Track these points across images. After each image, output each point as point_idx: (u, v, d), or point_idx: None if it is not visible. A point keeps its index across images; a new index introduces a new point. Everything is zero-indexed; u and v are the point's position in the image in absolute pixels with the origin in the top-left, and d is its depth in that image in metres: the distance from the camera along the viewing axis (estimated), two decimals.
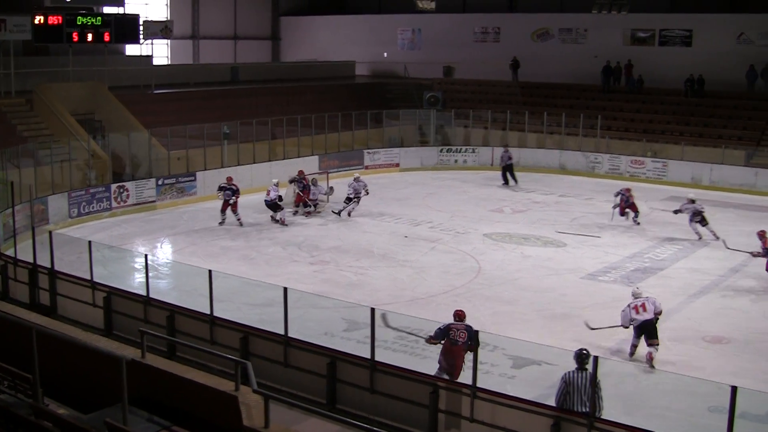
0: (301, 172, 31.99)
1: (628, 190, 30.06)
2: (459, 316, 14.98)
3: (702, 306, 21.01)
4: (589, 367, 12.46)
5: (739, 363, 17.43)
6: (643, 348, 17.26)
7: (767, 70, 43.23)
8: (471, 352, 13.72)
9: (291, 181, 31.54)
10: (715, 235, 27.23)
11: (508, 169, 37.94)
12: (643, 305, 17.46)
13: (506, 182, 37.73)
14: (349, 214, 30.35)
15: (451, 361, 14.52)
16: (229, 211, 29.01)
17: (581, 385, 12.47)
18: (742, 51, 44.74)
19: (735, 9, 46.40)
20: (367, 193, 30.81)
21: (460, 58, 53.40)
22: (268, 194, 29.59)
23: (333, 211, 30.46)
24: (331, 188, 32.39)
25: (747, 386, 13.54)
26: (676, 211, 28.65)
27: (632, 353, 17.64)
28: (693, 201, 27.98)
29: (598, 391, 12.32)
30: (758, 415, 13.96)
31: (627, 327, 17.51)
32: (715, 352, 18.06)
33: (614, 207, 29.69)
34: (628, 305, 17.62)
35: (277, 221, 29.47)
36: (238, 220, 29.03)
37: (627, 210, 29.66)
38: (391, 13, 58.39)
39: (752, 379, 16.29)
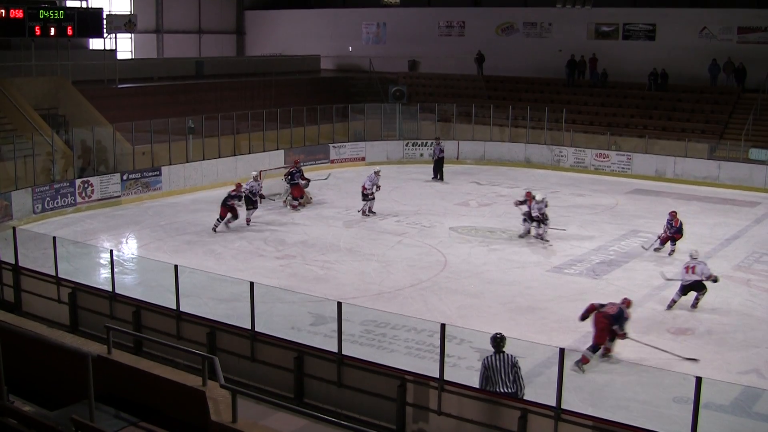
0: (296, 162, 32.31)
1: (529, 193, 27.67)
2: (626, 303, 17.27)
3: (666, 298, 21.15)
4: (507, 350, 12.95)
5: (703, 354, 17.59)
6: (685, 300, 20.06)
7: (729, 64, 43.59)
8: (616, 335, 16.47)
9: (289, 173, 31.44)
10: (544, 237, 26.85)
11: (438, 164, 37.91)
12: (693, 267, 20.04)
13: (435, 177, 37.70)
14: (367, 212, 30.05)
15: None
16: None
17: (500, 368, 12.82)
18: (705, 45, 45.14)
19: (697, 4, 46.80)
20: (379, 189, 30.43)
21: (424, 52, 53.52)
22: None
23: (358, 211, 30.19)
24: (308, 180, 32.09)
25: (711, 377, 13.69)
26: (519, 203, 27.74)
27: (670, 306, 20.31)
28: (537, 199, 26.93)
29: (519, 372, 12.82)
30: (722, 404, 14.14)
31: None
32: (680, 343, 18.21)
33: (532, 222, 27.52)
34: (684, 265, 20.40)
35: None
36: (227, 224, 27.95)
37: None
38: (355, 7, 58.40)
39: (716, 369, 16.48)
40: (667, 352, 17.23)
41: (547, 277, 23.09)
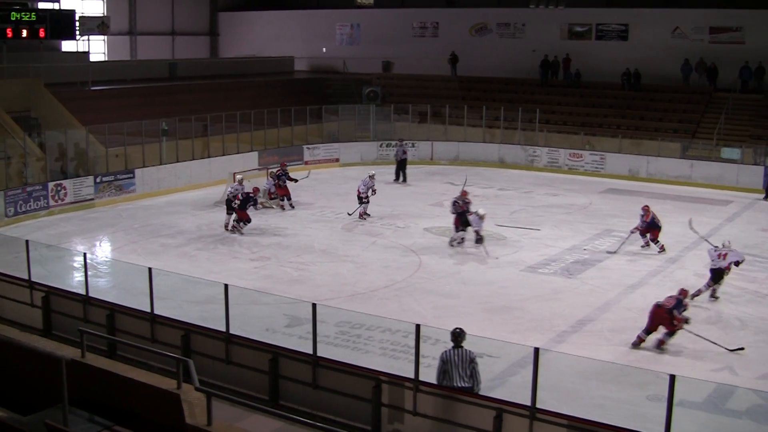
0: (283, 164, 32.46)
1: (466, 193, 27.32)
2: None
3: (640, 297, 21.27)
4: (465, 345, 13.00)
5: (677, 352, 17.69)
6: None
7: (701, 64, 43.89)
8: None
9: (275, 176, 31.46)
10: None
11: (401, 165, 37.88)
12: (725, 254, 20.99)
13: (398, 179, 37.65)
14: (363, 215, 29.88)
15: None
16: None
17: (458, 363, 12.89)
18: (677, 45, 45.43)
19: (669, 4, 47.04)
20: (374, 193, 30.28)
21: (398, 53, 53.53)
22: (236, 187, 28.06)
23: (348, 213, 30.17)
24: (296, 180, 31.90)
25: (685, 374, 13.79)
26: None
27: (697, 294, 20.83)
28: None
29: (476, 367, 12.91)
30: (696, 402, 14.24)
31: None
32: (654, 341, 18.30)
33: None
34: (716, 250, 21.25)
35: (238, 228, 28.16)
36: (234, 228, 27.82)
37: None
38: (329, 8, 58.35)
39: (690, 367, 16.59)
40: (716, 344, 17.66)
41: (521, 276, 23.16)
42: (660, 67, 45.07)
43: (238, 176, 29.78)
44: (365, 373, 13.64)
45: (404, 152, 37.91)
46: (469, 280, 22.66)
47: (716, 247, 21.38)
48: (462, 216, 26.11)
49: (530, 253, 25.45)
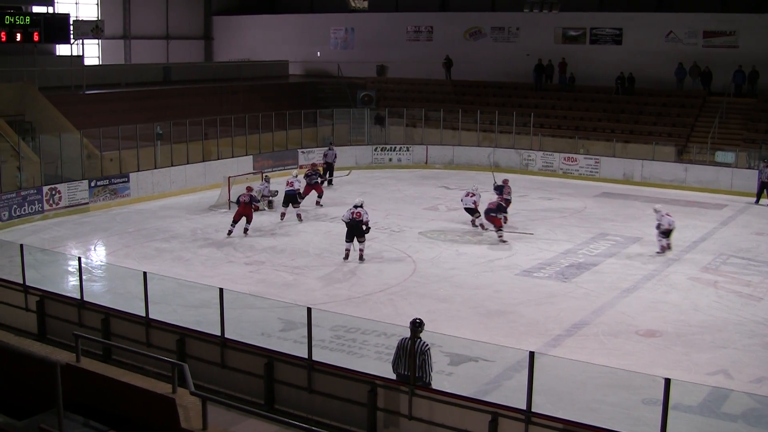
0: (314, 165, 33.90)
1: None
2: None
3: (635, 300, 21.32)
4: (423, 336, 13.10)
5: (672, 356, 17.73)
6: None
7: (695, 68, 43.97)
8: None
9: (306, 176, 32.49)
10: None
11: (330, 168, 37.83)
12: (667, 213, 25.93)
13: (329, 182, 37.42)
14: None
15: None
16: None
17: (407, 351, 13.06)
18: (671, 49, 45.51)
19: (663, 8, 47.23)
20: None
21: (393, 57, 53.64)
22: (291, 185, 30.04)
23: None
24: (276, 191, 32.11)
25: (680, 378, 13.80)
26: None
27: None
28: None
29: (427, 359, 13.00)
30: (691, 406, 14.23)
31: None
32: (649, 345, 18.35)
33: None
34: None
35: (294, 217, 30.15)
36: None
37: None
38: (323, 12, 58.37)
39: (685, 371, 16.60)
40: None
41: (516, 280, 23.17)
42: (654, 71, 45.14)
43: (294, 172, 32.02)
44: (360, 378, 13.62)
45: (335, 156, 37.98)
46: (464, 284, 22.66)
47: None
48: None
49: (525, 257, 25.46)
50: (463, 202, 28.79)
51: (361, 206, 24.79)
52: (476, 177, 38.52)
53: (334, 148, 38.65)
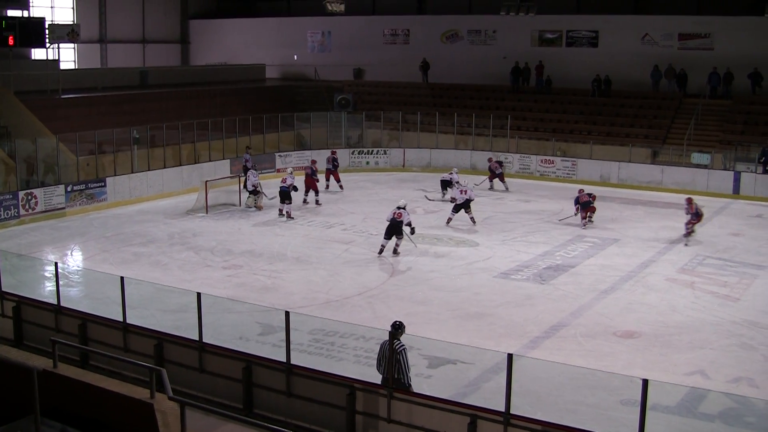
0: (334, 152, 36.73)
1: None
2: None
3: (612, 302, 21.41)
4: (403, 339, 13.20)
5: (650, 356, 17.82)
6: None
7: (671, 70, 44.21)
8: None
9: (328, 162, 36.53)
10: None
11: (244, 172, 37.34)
12: (466, 191, 29.66)
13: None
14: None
15: None
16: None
17: (385, 353, 13.19)
18: (647, 51, 45.75)
19: (639, 11, 47.48)
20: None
21: (370, 60, 53.69)
22: (284, 181, 31.03)
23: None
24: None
25: (657, 379, 13.87)
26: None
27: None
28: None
29: (402, 360, 13.06)
30: (669, 406, 14.31)
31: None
32: (626, 346, 18.43)
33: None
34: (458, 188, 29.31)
35: (283, 215, 30.97)
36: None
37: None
38: (300, 16, 58.38)
39: (662, 371, 16.69)
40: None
41: (494, 283, 23.21)
42: (630, 74, 45.40)
43: (289, 168, 34.29)
44: (339, 381, 13.62)
45: (246, 161, 37.04)
46: (442, 287, 22.69)
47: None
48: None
49: (503, 260, 25.53)
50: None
51: (404, 208, 26.04)
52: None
53: (250, 151, 37.80)
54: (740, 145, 38.08)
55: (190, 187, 34.69)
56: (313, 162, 34.45)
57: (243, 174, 34.94)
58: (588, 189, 36.35)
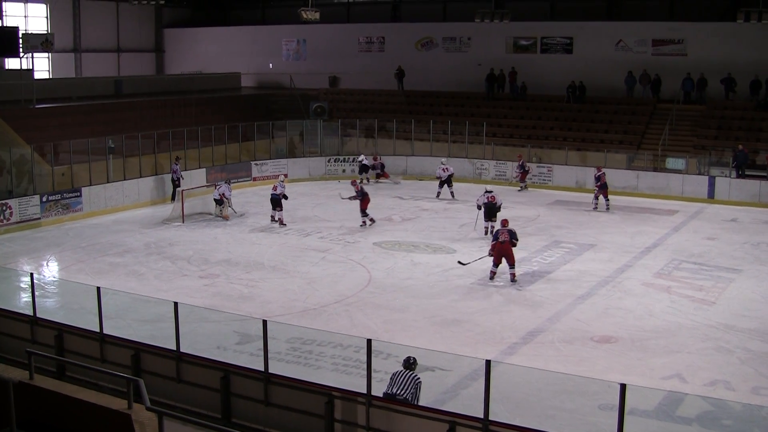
0: (375, 156, 39.48)
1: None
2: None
3: (589, 307, 21.48)
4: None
5: (627, 361, 17.88)
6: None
7: (645, 76, 44.45)
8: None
9: (372, 167, 39.30)
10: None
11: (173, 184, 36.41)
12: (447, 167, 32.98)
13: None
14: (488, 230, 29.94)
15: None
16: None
17: (400, 380, 13.12)
18: (621, 57, 45.97)
19: (613, 17, 47.73)
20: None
21: (345, 68, 53.72)
22: (275, 189, 31.47)
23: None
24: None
25: (635, 383, 13.93)
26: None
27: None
28: None
29: (416, 392, 13.06)
30: (647, 410, 14.39)
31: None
32: (604, 351, 18.49)
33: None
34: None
35: (275, 221, 31.21)
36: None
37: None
38: (275, 24, 58.36)
39: (640, 375, 16.77)
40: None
41: (471, 289, 23.23)
42: (604, 80, 45.61)
43: (281, 176, 34.66)
44: (317, 389, 13.60)
45: (174, 171, 36.02)
46: (419, 294, 22.70)
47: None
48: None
49: (480, 267, 25.53)
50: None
51: (492, 192, 29.88)
52: (429, 186, 38.65)
53: (179, 161, 36.45)
54: (714, 150, 38.30)
55: (166, 197, 34.58)
56: (375, 156, 38.82)
57: (173, 187, 35.35)
58: (564, 195, 36.72)
